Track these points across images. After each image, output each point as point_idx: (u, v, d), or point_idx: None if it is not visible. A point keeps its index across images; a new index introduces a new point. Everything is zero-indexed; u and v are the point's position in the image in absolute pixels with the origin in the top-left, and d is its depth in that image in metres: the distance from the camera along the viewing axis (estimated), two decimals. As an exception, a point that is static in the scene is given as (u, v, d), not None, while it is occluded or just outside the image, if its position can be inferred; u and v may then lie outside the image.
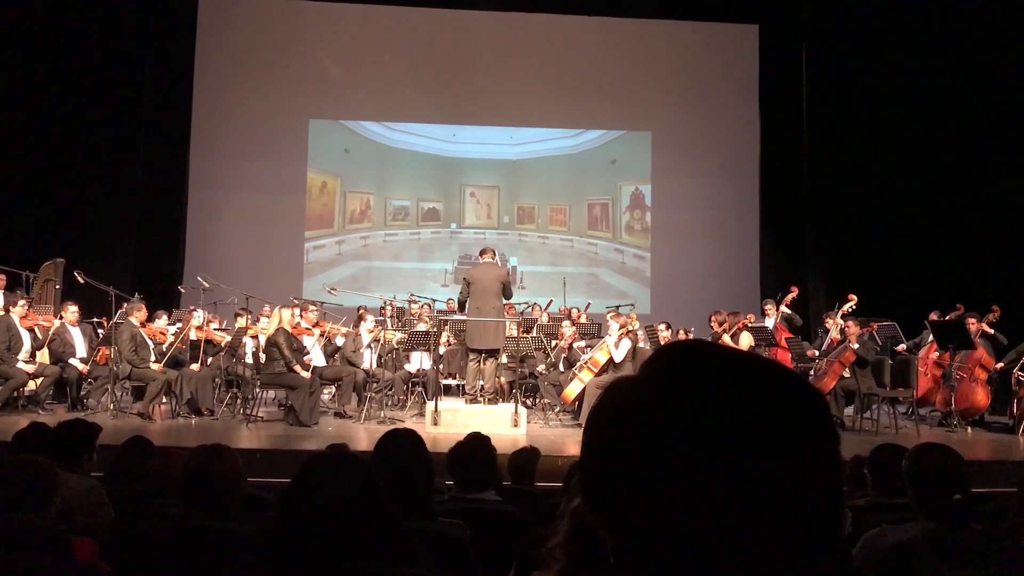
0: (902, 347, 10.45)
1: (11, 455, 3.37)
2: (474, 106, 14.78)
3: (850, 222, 13.79)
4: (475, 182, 15.03)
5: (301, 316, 9.49)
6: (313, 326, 9.69)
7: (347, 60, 14.69)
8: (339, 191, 14.80)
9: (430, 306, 12.16)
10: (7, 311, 9.13)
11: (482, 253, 9.16)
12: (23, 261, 10.66)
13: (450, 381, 10.45)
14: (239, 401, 9.18)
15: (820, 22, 14.18)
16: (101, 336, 9.63)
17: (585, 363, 9.19)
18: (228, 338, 9.67)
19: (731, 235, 14.77)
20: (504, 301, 9.16)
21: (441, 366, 9.89)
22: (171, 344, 9.16)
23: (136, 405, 8.86)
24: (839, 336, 9.28)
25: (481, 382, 8.76)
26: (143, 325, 9.12)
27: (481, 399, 8.64)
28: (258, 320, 10.60)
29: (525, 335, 10.39)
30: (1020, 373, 9.19)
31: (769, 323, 10.43)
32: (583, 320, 11.40)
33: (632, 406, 0.70)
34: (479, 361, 8.82)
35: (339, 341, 10.23)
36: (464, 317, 8.93)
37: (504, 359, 10.24)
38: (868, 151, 13.70)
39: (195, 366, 9.26)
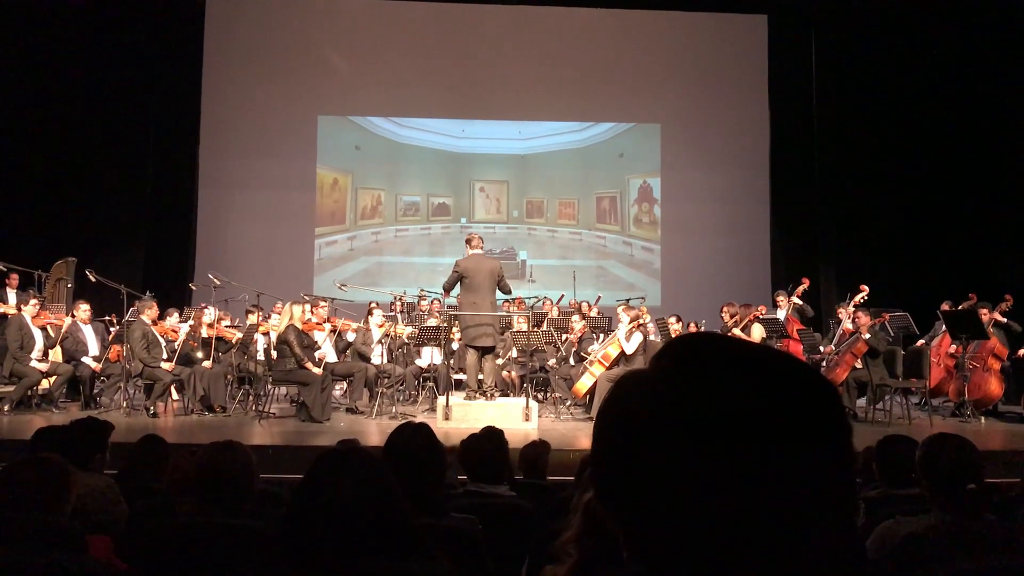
0: (921, 343, 10.31)
1: (26, 454, 3.39)
2: (482, 100, 14.77)
3: (861, 213, 13.72)
4: (484, 177, 15.04)
5: (312, 312, 9.50)
6: (324, 321, 9.70)
7: (355, 55, 14.70)
8: (350, 187, 14.85)
9: (440, 301, 12.16)
10: (19, 310, 9.18)
11: (468, 242, 8.82)
12: (35, 260, 10.70)
13: (461, 376, 10.44)
14: (251, 398, 9.22)
15: (829, 11, 14.09)
16: (113, 334, 9.68)
17: (596, 357, 9.17)
18: (239, 335, 9.70)
19: (742, 227, 14.71)
20: (503, 297, 9.00)
21: (452, 361, 9.90)
22: (182, 342, 9.21)
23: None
24: (851, 327, 9.24)
25: (481, 376, 8.67)
26: (154, 323, 9.15)
27: (482, 396, 8.57)
28: (269, 317, 10.62)
29: (535, 329, 10.36)
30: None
31: (781, 315, 10.39)
32: (593, 314, 11.38)
33: (643, 399, 0.70)
34: (478, 357, 8.73)
35: (350, 336, 10.24)
36: (470, 313, 8.73)
37: (514, 353, 10.24)
38: (879, 141, 13.62)
39: (207, 363, 9.29)
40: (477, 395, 8.56)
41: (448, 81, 14.63)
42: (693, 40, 14.85)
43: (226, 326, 10.15)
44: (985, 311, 9.42)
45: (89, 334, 9.55)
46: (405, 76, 14.58)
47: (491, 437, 3.66)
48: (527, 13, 14.66)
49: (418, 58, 14.58)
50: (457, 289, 8.76)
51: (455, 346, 9.97)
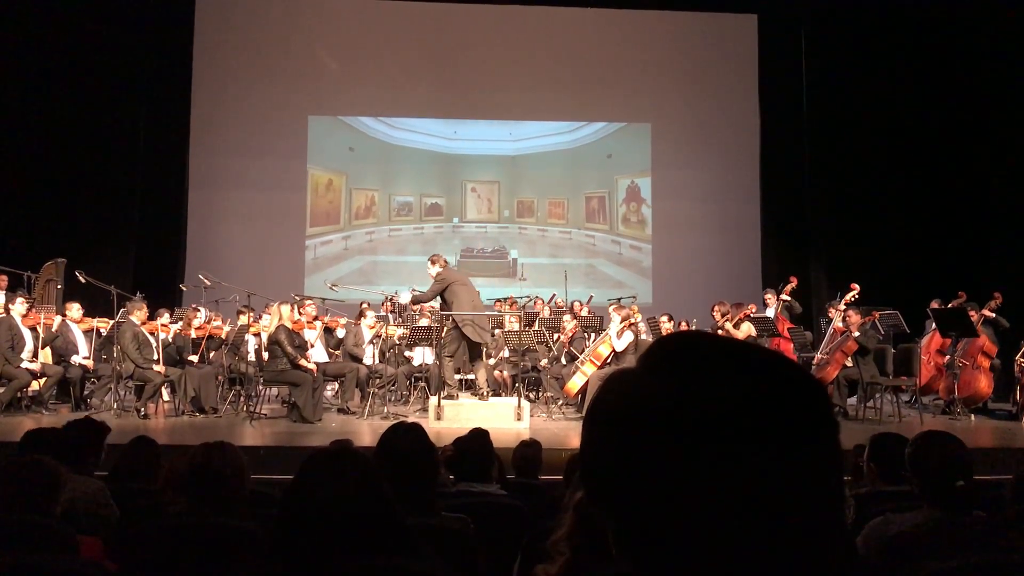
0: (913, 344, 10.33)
1: (17, 456, 3.38)
2: (473, 101, 14.77)
3: (851, 211, 13.76)
4: (476, 178, 15.08)
5: (300, 311, 9.49)
6: (313, 320, 9.69)
7: (345, 56, 14.68)
8: (345, 188, 14.88)
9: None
10: (7, 311, 9.11)
11: (434, 262, 9.07)
12: (24, 262, 10.65)
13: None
14: (242, 399, 9.19)
15: (819, 10, 14.13)
16: (103, 336, 9.63)
17: (588, 356, 9.19)
18: (228, 329, 9.71)
19: (732, 226, 14.74)
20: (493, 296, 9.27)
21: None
22: (169, 343, 9.19)
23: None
24: (842, 325, 9.27)
25: (471, 377, 8.85)
26: (144, 324, 9.11)
27: (454, 396, 8.74)
28: (260, 318, 10.60)
29: (527, 329, 10.37)
30: (1022, 360, 9.18)
31: (769, 313, 10.43)
32: (585, 313, 11.38)
33: (630, 398, 0.70)
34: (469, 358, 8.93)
35: (340, 333, 10.22)
36: (465, 314, 8.82)
37: (506, 353, 10.24)
38: (868, 140, 13.66)
39: (194, 357, 9.28)
40: (457, 395, 8.72)
41: (438, 81, 14.63)
42: (683, 39, 14.87)
43: (215, 326, 10.14)
44: (973, 312, 9.45)
45: (79, 334, 9.49)
46: (396, 77, 14.57)
47: (477, 437, 3.70)
48: (517, 13, 14.65)
49: (408, 59, 14.58)
50: (439, 300, 9.03)
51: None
